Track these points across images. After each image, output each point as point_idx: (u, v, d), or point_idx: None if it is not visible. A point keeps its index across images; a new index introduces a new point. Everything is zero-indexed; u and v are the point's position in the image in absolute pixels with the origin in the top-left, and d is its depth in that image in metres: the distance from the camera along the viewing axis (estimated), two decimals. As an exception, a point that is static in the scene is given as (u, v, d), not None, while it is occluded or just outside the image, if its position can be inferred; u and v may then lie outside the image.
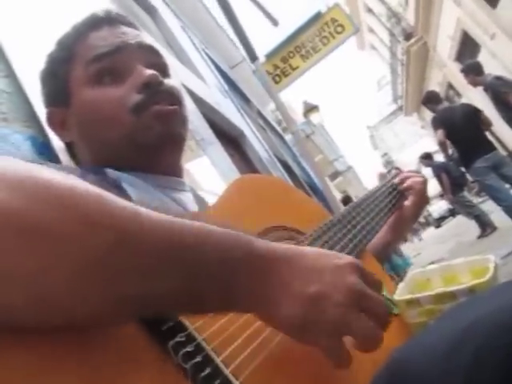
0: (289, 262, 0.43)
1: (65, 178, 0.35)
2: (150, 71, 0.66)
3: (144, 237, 0.35)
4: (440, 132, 4.23)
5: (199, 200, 0.73)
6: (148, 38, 0.73)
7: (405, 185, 0.96)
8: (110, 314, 0.35)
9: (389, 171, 1.02)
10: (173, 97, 0.68)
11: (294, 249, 0.45)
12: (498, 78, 4.08)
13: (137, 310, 0.36)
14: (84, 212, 0.33)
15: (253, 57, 4.76)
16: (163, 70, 0.71)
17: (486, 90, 4.17)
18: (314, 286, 0.42)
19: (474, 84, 4.28)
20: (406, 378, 0.44)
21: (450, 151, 4.74)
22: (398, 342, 0.53)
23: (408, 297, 0.62)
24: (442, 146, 4.38)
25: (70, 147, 0.73)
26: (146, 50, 0.70)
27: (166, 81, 0.69)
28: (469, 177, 5.74)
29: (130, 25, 0.73)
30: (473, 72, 4.21)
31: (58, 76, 0.69)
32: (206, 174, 2.68)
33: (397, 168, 1.04)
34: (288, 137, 11.00)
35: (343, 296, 0.42)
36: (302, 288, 0.42)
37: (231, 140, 4.80)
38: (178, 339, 0.38)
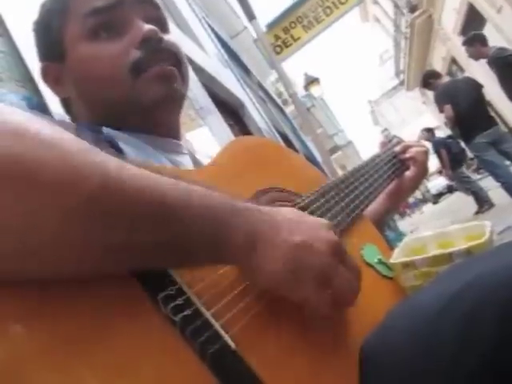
0: (271, 216, 0.45)
1: (53, 129, 0.35)
2: (149, 26, 0.63)
3: (127, 186, 0.35)
4: (448, 107, 4.16)
5: (197, 163, 0.72)
6: None
7: (407, 155, 0.94)
8: (97, 263, 0.35)
9: (390, 140, 1.01)
10: (173, 55, 0.66)
11: (272, 208, 0.47)
12: (502, 48, 3.99)
13: (124, 261, 0.36)
14: (72, 159, 0.33)
15: (251, 16, 4.66)
16: (162, 24, 0.68)
17: (489, 62, 4.07)
18: (297, 236, 0.43)
19: (478, 55, 4.14)
20: (397, 338, 0.45)
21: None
22: (393, 305, 0.54)
23: (404, 259, 0.62)
24: (451, 122, 4.30)
25: (65, 103, 0.70)
26: (144, 2, 0.67)
27: (166, 37, 0.66)
28: (468, 153, 5.72)
29: None
30: (478, 42, 4.09)
31: (53, 29, 0.65)
32: (206, 143, 2.66)
33: (396, 137, 1.03)
34: (288, 109, 10.91)
35: (325, 246, 0.44)
36: (286, 238, 0.43)
37: (231, 111, 4.76)
38: (167, 292, 0.38)
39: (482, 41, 4.10)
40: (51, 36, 0.66)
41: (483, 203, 5.66)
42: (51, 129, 0.35)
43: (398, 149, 0.96)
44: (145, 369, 0.33)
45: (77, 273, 0.34)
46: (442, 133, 9.95)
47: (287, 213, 0.47)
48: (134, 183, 0.36)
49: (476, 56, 4.16)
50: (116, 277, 0.37)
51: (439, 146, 6.27)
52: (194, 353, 0.36)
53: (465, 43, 4.21)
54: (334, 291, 0.44)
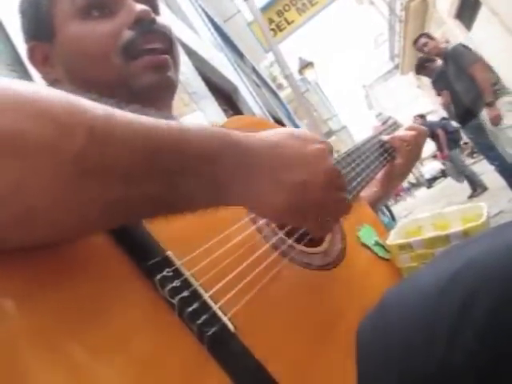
0: (271, 152, 0.44)
1: (28, 85, 0.32)
2: (141, 6, 0.62)
3: (117, 133, 0.33)
4: (445, 93, 4.11)
5: None
6: None
7: (396, 143, 0.91)
8: (96, 219, 0.33)
9: (385, 121, 0.99)
10: (166, 37, 0.65)
11: (272, 138, 0.45)
12: (465, 47, 3.71)
13: (124, 213, 0.35)
14: (52, 114, 0.30)
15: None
16: (153, 6, 0.67)
17: (445, 58, 3.91)
18: (300, 175, 0.44)
19: (437, 50, 3.84)
20: (396, 316, 0.45)
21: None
22: (389, 286, 0.54)
23: (400, 241, 0.62)
24: (448, 109, 4.24)
25: (52, 86, 0.66)
26: None
27: (158, 19, 0.65)
28: (462, 135, 5.73)
29: None
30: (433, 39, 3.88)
31: (41, 8, 0.63)
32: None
33: (392, 118, 1.01)
34: (283, 94, 10.84)
35: (325, 180, 0.46)
36: (288, 176, 0.43)
37: (225, 95, 4.72)
38: (165, 273, 0.38)
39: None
40: (40, 14, 0.64)
41: (477, 187, 5.70)
42: (25, 85, 0.32)
43: (385, 138, 0.92)
44: (143, 351, 0.33)
45: (76, 233, 0.34)
46: (437, 117, 9.95)
47: (289, 144, 0.45)
48: (125, 131, 0.33)
49: (435, 51, 3.87)
50: (112, 258, 0.36)
51: (435, 127, 6.27)
52: (193, 335, 0.36)
53: (419, 40, 3.94)
54: (332, 212, 0.48)
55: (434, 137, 6.27)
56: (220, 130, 0.41)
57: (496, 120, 3.46)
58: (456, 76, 3.73)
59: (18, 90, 0.31)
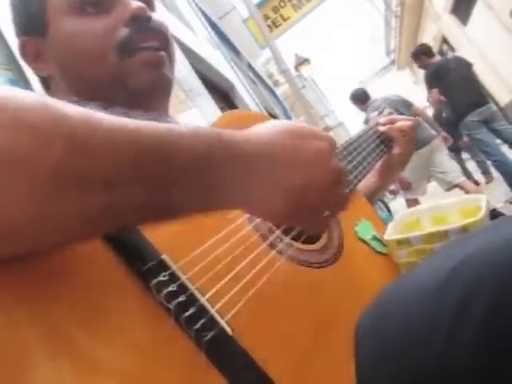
0: (268, 153, 0.41)
1: (2, 90, 0.30)
2: (137, 3, 0.61)
3: (98, 140, 0.31)
4: (435, 91, 4.14)
5: None
6: None
7: (393, 133, 0.90)
8: (80, 230, 0.32)
9: (381, 111, 0.98)
10: (162, 35, 0.64)
11: (270, 137, 0.43)
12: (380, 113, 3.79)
13: (109, 222, 0.33)
14: (28, 124, 0.29)
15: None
16: (149, 2, 0.67)
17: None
18: (299, 178, 0.42)
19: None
20: (394, 313, 0.44)
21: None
22: (387, 281, 0.53)
23: (399, 237, 0.62)
24: (436, 106, 4.28)
25: (45, 82, 0.67)
26: None
27: (154, 16, 0.64)
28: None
29: None
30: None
31: (33, 2, 0.62)
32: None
33: (388, 109, 1.00)
34: (279, 91, 10.83)
35: (327, 179, 0.44)
36: (286, 180, 0.42)
37: (221, 93, 4.72)
38: (160, 278, 0.37)
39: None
40: (32, 8, 0.63)
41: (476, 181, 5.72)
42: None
43: (382, 128, 0.92)
44: (140, 357, 0.32)
45: (63, 244, 0.32)
46: (431, 112, 9.95)
47: (290, 144, 0.43)
48: (107, 136, 0.31)
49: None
50: (107, 263, 0.36)
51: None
52: (191, 340, 0.36)
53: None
54: (332, 208, 0.47)
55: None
56: (212, 130, 0.39)
57: (406, 186, 3.58)
58: None
59: None
